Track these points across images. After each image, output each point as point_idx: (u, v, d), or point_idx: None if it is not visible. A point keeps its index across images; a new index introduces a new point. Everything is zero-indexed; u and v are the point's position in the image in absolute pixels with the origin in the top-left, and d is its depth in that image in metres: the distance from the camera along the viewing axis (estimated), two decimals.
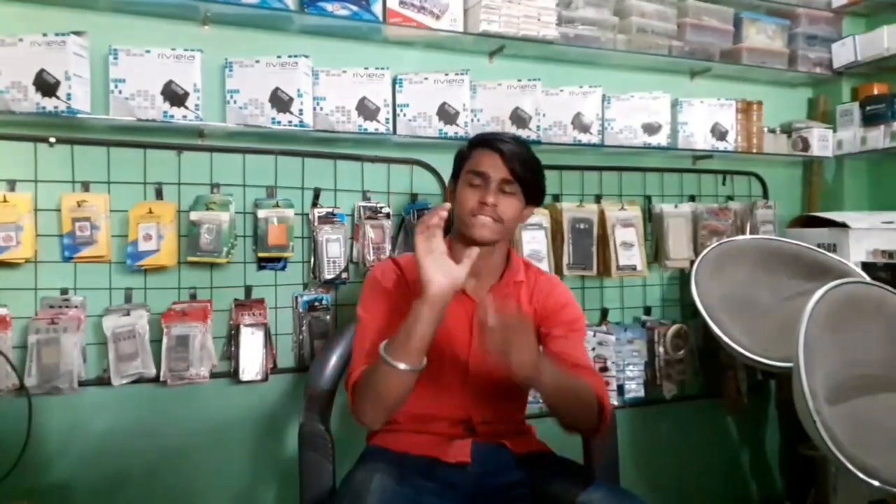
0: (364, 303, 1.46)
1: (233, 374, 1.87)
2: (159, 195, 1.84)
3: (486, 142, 1.46)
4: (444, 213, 1.24)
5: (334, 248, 1.94)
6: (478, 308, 1.26)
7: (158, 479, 1.86)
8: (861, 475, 1.48)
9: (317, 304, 1.96)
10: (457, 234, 1.47)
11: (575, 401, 1.32)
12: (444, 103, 2.01)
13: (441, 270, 1.18)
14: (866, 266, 2.12)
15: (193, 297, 1.88)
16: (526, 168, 1.44)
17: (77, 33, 1.69)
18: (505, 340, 1.14)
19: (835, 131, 2.53)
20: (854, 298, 1.76)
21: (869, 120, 2.42)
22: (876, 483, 1.48)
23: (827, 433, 1.52)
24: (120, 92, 1.74)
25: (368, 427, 1.38)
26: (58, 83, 1.65)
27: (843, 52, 2.48)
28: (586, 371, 1.43)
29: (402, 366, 1.17)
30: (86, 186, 1.78)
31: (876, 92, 2.45)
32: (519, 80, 2.09)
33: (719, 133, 2.36)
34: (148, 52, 1.76)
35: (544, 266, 2.05)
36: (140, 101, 1.75)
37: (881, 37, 2.35)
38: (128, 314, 1.78)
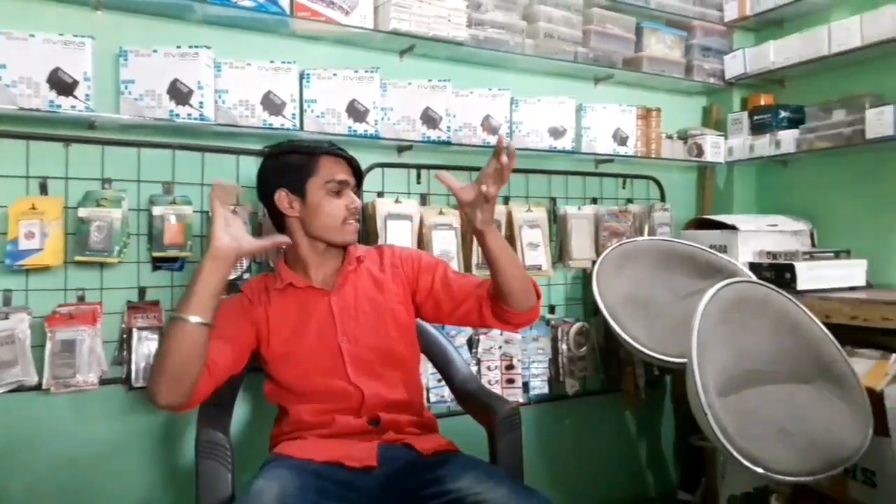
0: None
1: (125, 381, 1.77)
2: (44, 190, 1.72)
3: (330, 151, 1.56)
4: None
5: None
6: (332, 297, 1.53)
7: (42, 495, 1.74)
8: (747, 463, 1.57)
9: None
10: (317, 240, 1.55)
11: (521, 268, 1.52)
12: (353, 100, 1.98)
13: (230, 237, 1.31)
14: (753, 266, 2.24)
15: (81, 299, 1.77)
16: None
17: None
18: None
19: (726, 138, 2.67)
20: (742, 297, 1.86)
21: (756, 129, 2.56)
22: (760, 470, 1.57)
23: (717, 425, 1.60)
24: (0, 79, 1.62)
25: (164, 406, 1.32)
26: None
27: (734, 64, 2.63)
28: None
29: (191, 318, 1.24)
30: None
31: (762, 102, 2.60)
32: (429, 81, 2.09)
33: (620, 138, 2.44)
34: (32, 36, 1.63)
35: (454, 265, 2.06)
36: (23, 88, 1.63)
37: (768, 51, 2.50)
38: (6, 318, 1.65)
